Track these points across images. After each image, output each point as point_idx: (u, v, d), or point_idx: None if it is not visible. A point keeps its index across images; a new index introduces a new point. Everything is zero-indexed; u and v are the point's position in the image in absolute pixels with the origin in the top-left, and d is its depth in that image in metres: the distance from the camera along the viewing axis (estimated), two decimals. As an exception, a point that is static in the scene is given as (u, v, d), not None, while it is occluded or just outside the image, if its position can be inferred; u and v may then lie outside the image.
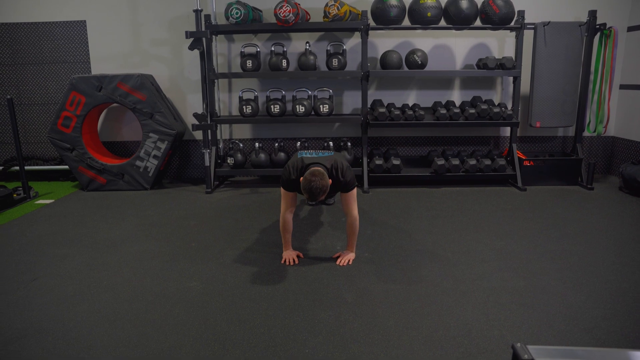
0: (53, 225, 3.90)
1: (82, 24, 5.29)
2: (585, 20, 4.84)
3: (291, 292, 2.65)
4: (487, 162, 4.85)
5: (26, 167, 5.07)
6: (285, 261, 3.05)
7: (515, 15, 4.79)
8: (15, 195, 4.61)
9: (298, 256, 3.12)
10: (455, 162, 4.82)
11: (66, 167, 5.28)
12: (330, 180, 2.82)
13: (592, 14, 4.81)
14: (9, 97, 4.57)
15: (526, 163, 4.92)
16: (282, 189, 2.99)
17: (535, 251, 3.20)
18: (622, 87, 5.28)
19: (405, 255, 3.14)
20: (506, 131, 5.39)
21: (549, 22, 4.78)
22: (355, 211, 2.98)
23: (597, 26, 4.84)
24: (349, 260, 3.04)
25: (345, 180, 2.93)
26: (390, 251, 3.22)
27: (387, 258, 3.10)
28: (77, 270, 2.99)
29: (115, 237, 3.61)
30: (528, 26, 4.83)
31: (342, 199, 3.01)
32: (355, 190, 2.99)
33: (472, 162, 4.82)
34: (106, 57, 5.34)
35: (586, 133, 5.20)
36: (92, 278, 2.88)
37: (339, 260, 3.05)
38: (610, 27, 4.79)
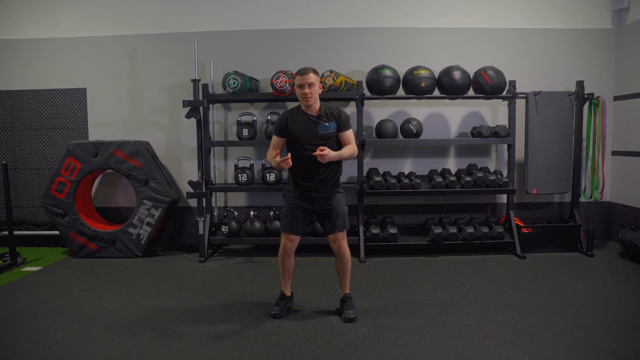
0: (37, 295, 3.74)
1: (82, 91, 5.39)
2: (574, 90, 4.98)
3: (285, 372, 2.50)
4: (485, 229, 4.79)
5: (16, 232, 4.95)
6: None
7: (507, 85, 4.91)
8: (0, 261, 4.47)
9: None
10: (453, 230, 4.76)
11: (57, 232, 5.17)
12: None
13: (580, 84, 4.95)
14: (3, 162, 4.57)
15: (524, 230, 4.86)
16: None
17: (540, 324, 3.07)
18: (614, 153, 5.34)
19: (405, 330, 3.00)
20: (503, 198, 5.36)
21: (540, 91, 4.91)
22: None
23: (586, 95, 4.96)
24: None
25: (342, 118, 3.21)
26: (389, 326, 3.08)
27: (385, 333, 2.96)
28: (57, 347, 2.82)
29: (102, 308, 3.45)
30: (520, 95, 4.94)
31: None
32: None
33: (470, 230, 4.76)
34: (104, 123, 5.39)
35: (582, 199, 5.20)
36: (72, 356, 2.71)
37: None
38: (598, 97, 4.91)
